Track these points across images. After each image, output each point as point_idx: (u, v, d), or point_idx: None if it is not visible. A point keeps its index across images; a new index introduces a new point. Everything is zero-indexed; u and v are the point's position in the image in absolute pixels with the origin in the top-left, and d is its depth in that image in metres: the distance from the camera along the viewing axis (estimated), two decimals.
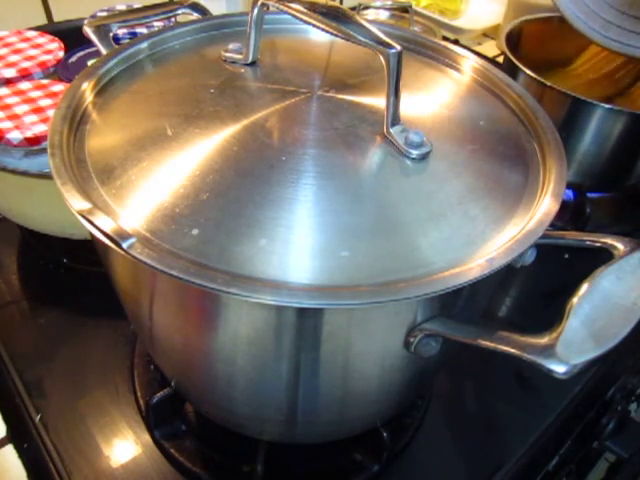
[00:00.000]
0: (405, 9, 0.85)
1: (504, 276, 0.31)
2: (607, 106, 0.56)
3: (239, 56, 0.38)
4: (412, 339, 0.28)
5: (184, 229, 0.26)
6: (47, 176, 0.46)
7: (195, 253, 0.25)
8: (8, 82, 0.54)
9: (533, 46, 0.72)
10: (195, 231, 0.26)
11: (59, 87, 0.52)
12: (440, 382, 0.48)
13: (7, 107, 0.49)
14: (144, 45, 0.39)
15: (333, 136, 0.31)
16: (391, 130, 0.31)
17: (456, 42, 0.94)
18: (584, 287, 0.26)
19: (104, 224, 0.25)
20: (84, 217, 0.26)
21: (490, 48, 1.02)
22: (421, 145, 0.31)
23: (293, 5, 0.33)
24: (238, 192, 0.28)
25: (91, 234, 0.26)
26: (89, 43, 0.39)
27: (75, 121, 0.32)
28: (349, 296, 0.24)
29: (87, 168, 0.30)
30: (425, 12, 0.99)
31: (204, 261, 0.25)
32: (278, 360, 0.29)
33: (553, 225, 0.28)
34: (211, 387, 0.35)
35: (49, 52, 0.58)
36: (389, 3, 0.88)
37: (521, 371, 0.50)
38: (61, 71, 0.59)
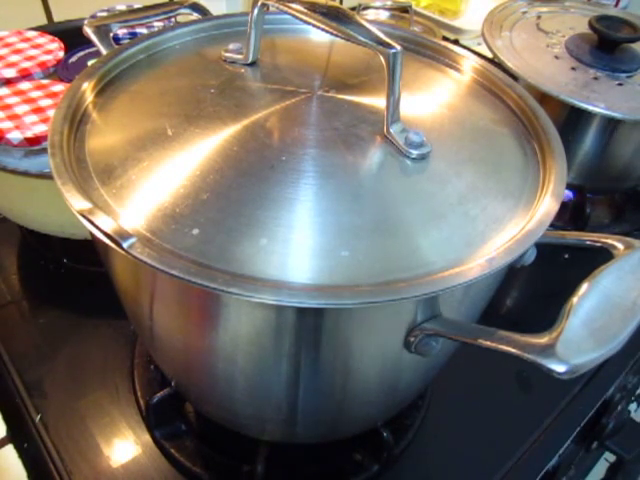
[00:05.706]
0: (405, 9, 0.85)
1: (504, 276, 0.31)
2: (606, 112, 0.55)
3: (239, 56, 0.38)
4: (412, 339, 0.28)
5: (184, 229, 0.26)
6: (47, 176, 0.46)
7: (195, 253, 0.25)
8: (8, 82, 0.54)
9: None
10: (195, 231, 0.26)
11: (59, 87, 0.52)
12: (440, 382, 0.48)
13: (7, 107, 0.49)
14: (144, 45, 0.39)
15: (333, 136, 0.31)
16: (391, 130, 0.31)
17: (456, 42, 0.93)
18: (584, 287, 0.26)
19: (104, 224, 0.25)
20: (84, 217, 0.26)
21: None
22: (421, 145, 0.31)
23: (293, 5, 0.33)
24: (238, 192, 0.28)
25: (91, 234, 0.26)
26: (89, 43, 0.39)
27: (75, 121, 0.32)
28: (349, 296, 0.24)
29: (87, 168, 0.30)
30: (425, 12, 0.99)
31: (204, 261, 0.25)
32: (278, 360, 0.29)
33: (553, 225, 0.28)
34: (211, 387, 0.35)
35: (49, 52, 0.58)
36: (389, 3, 0.88)
37: (521, 371, 0.50)
38: (61, 71, 0.59)
